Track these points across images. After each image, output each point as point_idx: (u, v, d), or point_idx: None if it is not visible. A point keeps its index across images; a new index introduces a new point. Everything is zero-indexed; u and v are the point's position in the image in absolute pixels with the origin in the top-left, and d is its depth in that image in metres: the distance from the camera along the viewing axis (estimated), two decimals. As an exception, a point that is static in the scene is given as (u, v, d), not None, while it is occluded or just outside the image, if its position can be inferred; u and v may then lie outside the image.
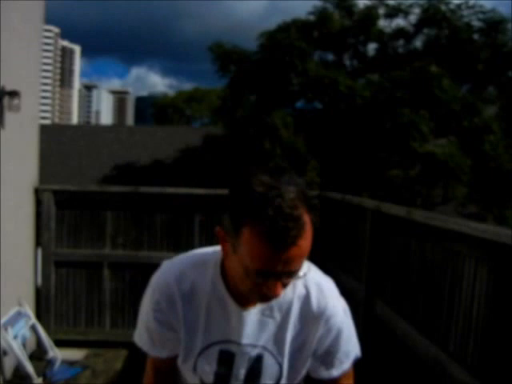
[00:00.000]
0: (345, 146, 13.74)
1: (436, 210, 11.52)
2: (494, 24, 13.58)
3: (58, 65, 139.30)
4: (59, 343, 4.26)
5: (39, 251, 4.38)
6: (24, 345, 3.79)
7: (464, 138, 12.48)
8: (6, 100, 3.57)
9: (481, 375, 1.97)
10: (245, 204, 1.04)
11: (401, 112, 11.87)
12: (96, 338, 4.48)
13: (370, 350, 3.19)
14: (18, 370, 3.66)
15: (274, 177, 1.05)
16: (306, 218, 1.04)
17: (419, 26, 14.46)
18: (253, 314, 1.23)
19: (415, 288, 2.65)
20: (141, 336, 1.32)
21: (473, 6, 13.88)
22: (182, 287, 1.24)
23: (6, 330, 3.55)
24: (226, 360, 1.26)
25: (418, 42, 14.76)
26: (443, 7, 14.10)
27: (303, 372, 1.30)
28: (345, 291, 3.97)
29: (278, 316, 1.24)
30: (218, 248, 1.24)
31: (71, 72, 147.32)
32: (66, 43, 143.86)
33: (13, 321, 3.71)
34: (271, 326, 1.25)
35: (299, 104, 15.59)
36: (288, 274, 1.07)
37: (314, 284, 1.27)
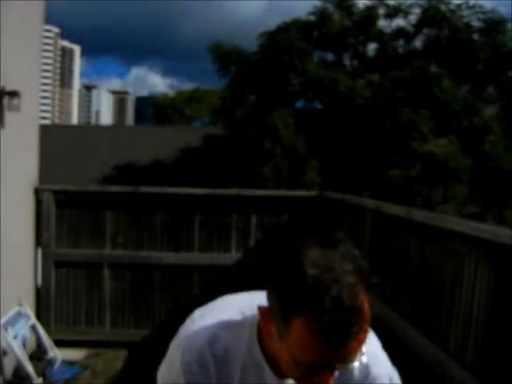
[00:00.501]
0: (345, 145, 13.74)
1: (436, 209, 11.52)
2: (493, 24, 13.57)
3: (58, 65, 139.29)
4: (59, 343, 4.26)
5: (39, 251, 4.38)
6: (24, 345, 3.79)
7: (464, 138, 12.47)
8: (5, 100, 3.57)
9: (481, 375, 1.97)
10: (296, 290, 0.88)
11: (401, 112, 11.87)
12: (96, 338, 4.48)
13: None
14: (18, 370, 3.65)
15: (326, 250, 0.90)
16: (367, 304, 0.91)
17: (419, 25, 14.46)
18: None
19: (415, 288, 2.65)
20: None
21: (473, 6, 13.88)
22: (214, 350, 1.11)
23: (5, 330, 3.55)
24: None
25: (418, 42, 14.75)
26: (443, 7, 14.09)
27: None
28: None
29: None
30: (253, 304, 1.09)
31: (71, 72, 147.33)
32: (66, 43, 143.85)
33: (13, 321, 3.71)
34: None
35: (299, 104, 15.60)
36: (343, 365, 0.94)
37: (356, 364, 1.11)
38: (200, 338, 1.12)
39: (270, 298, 0.96)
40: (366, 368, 1.13)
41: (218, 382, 1.11)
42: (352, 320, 0.86)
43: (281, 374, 1.07)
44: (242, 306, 1.16)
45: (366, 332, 0.90)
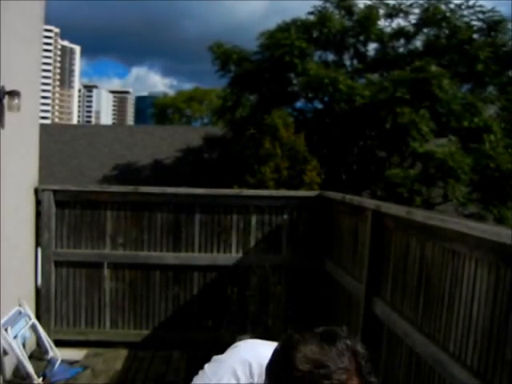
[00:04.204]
0: (345, 145, 13.75)
1: (436, 209, 11.52)
2: (493, 24, 13.58)
3: (58, 65, 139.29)
4: (59, 343, 4.26)
5: (39, 251, 4.38)
6: (24, 345, 3.79)
7: (464, 138, 12.48)
8: (6, 100, 3.57)
9: (481, 375, 1.97)
10: (284, 381, 0.91)
11: (401, 112, 11.87)
12: (96, 338, 4.48)
13: (369, 349, 3.19)
14: (18, 369, 3.65)
15: (322, 347, 0.91)
16: None
17: (419, 25, 14.47)
18: None
19: (415, 288, 2.65)
20: None
21: (473, 6, 13.89)
22: None
23: (5, 330, 3.55)
24: None
25: (418, 42, 14.77)
26: (443, 7, 14.11)
27: None
28: (345, 291, 3.97)
29: None
30: (261, 364, 1.14)
31: (71, 72, 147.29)
32: (66, 43, 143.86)
33: (13, 321, 3.71)
34: None
35: (299, 104, 15.61)
36: None
37: None
38: None
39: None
40: None
41: None
42: None
43: None
44: (250, 369, 1.19)
45: None
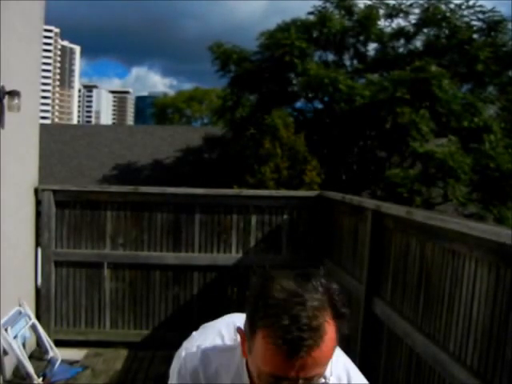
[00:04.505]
0: (345, 145, 13.75)
1: (436, 209, 11.52)
2: (493, 24, 13.57)
3: (58, 65, 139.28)
4: (59, 343, 4.26)
5: (39, 251, 4.38)
6: (24, 344, 3.80)
7: (464, 138, 12.47)
8: (6, 100, 3.57)
9: (481, 375, 1.97)
10: (262, 309, 1.00)
11: (401, 112, 11.86)
12: (96, 338, 4.48)
13: (370, 349, 3.19)
14: (18, 369, 3.66)
15: (299, 283, 1.00)
16: (328, 328, 0.98)
17: (419, 25, 14.46)
18: None
19: (415, 288, 2.65)
20: None
21: (473, 6, 13.88)
22: (206, 371, 1.24)
23: (5, 330, 3.55)
24: None
25: (418, 42, 14.76)
26: (443, 7, 14.10)
27: None
28: (345, 291, 3.97)
29: None
30: None
31: (71, 72, 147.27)
32: (66, 43, 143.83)
33: (13, 321, 3.71)
34: None
35: (299, 104, 15.60)
36: (304, 380, 1.01)
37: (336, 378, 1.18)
38: (195, 359, 1.25)
39: (245, 319, 1.07)
40: None
41: None
42: (306, 336, 0.94)
43: None
44: (235, 327, 1.24)
45: (322, 351, 0.97)
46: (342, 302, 1.03)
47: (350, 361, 1.27)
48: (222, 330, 1.30)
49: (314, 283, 1.01)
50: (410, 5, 14.47)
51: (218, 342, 1.28)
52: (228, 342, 1.27)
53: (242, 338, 1.12)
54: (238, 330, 1.14)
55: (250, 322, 1.04)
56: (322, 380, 1.05)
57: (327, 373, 1.04)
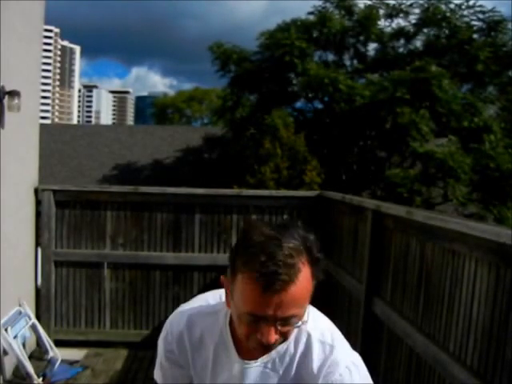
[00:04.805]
0: (345, 145, 13.74)
1: (436, 209, 11.52)
2: (494, 24, 13.57)
3: (58, 65, 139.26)
4: (59, 343, 4.26)
5: (39, 251, 4.38)
6: (24, 344, 3.79)
7: (464, 138, 12.47)
8: (6, 100, 3.57)
9: (481, 375, 1.97)
10: (241, 252, 1.07)
11: (401, 112, 11.86)
12: (96, 338, 4.48)
13: (370, 349, 3.19)
14: (18, 369, 3.66)
15: (277, 230, 1.07)
16: (303, 268, 1.05)
17: (419, 25, 14.46)
18: (255, 367, 1.24)
19: (415, 288, 2.65)
20: (156, 371, 1.41)
21: (473, 6, 13.88)
22: (191, 334, 1.29)
23: (5, 330, 3.55)
24: None
25: (418, 42, 14.76)
26: (443, 7, 14.09)
27: None
28: (345, 291, 3.97)
29: (280, 370, 1.24)
30: None
31: (71, 72, 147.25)
32: (65, 43, 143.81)
33: (13, 321, 3.71)
34: (274, 380, 1.24)
35: (299, 104, 15.60)
36: (281, 320, 1.06)
37: (317, 340, 1.22)
38: (181, 323, 1.30)
39: (228, 267, 1.13)
40: (324, 354, 1.20)
41: (193, 361, 1.29)
42: (281, 271, 1.01)
43: (246, 355, 1.22)
44: (220, 296, 1.32)
45: (298, 288, 1.03)
46: (317, 249, 1.10)
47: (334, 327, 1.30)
48: (209, 299, 1.35)
49: (292, 231, 1.08)
50: (410, 5, 14.48)
51: (204, 307, 1.33)
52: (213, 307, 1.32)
53: (226, 288, 1.16)
54: (222, 279, 1.18)
55: (231, 266, 1.10)
56: (300, 323, 1.09)
57: (305, 317, 1.09)
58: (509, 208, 11.10)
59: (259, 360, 1.23)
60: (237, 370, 1.24)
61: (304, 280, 1.05)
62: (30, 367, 3.61)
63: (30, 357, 3.97)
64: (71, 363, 4.07)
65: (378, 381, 3.08)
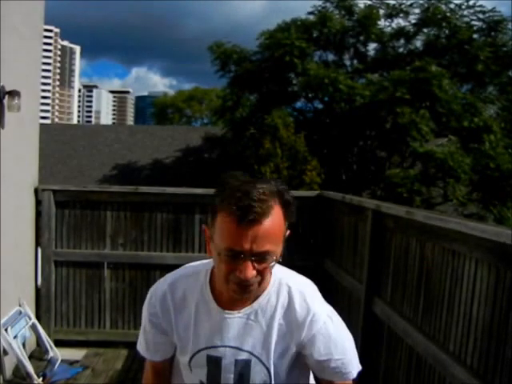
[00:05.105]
0: (345, 145, 13.74)
1: (436, 209, 11.52)
2: (494, 24, 13.57)
3: (58, 65, 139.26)
4: (59, 343, 4.26)
5: (39, 251, 4.38)
6: (24, 344, 3.80)
7: (464, 138, 12.47)
8: (5, 100, 3.57)
9: (481, 375, 1.97)
10: (220, 194, 1.17)
11: (401, 112, 11.86)
12: (96, 338, 4.48)
13: (370, 349, 3.19)
14: (18, 369, 3.66)
15: (252, 177, 1.19)
16: (276, 207, 1.16)
17: (419, 25, 14.45)
18: (237, 318, 1.28)
19: (415, 288, 2.65)
20: (139, 341, 1.43)
21: (473, 6, 13.87)
22: (174, 295, 1.34)
23: (5, 330, 3.55)
24: (214, 365, 1.30)
25: (418, 42, 14.75)
26: (443, 7, 14.09)
27: (293, 375, 1.32)
28: (345, 291, 3.97)
29: (262, 321, 1.28)
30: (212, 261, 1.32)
31: (71, 72, 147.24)
32: (66, 43, 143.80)
33: (13, 321, 3.71)
34: (257, 332, 1.28)
35: (299, 104, 15.60)
36: (257, 256, 1.13)
37: (298, 291, 1.30)
38: (164, 285, 1.36)
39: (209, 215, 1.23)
40: (306, 304, 1.28)
41: (176, 322, 1.32)
42: (254, 204, 1.10)
43: (227, 308, 1.29)
44: (202, 261, 1.40)
45: (271, 222, 1.13)
46: (288, 194, 1.22)
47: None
48: (191, 265, 1.43)
49: (265, 179, 1.20)
50: (410, 5, 14.47)
51: (185, 270, 1.41)
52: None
53: (207, 237, 1.24)
54: (204, 227, 1.27)
55: (211, 212, 1.20)
56: (273, 262, 1.17)
57: (278, 256, 1.18)
58: (509, 208, 11.09)
59: (242, 311, 1.28)
60: (218, 319, 1.29)
61: (276, 217, 1.16)
62: (30, 367, 3.62)
63: (30, 357, 3.97)
64: (71, 363, 4.07)
65: (379, 380, 3.08)
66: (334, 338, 1.29)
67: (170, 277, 1.40)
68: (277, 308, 1.28)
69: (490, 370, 1.91)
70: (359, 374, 1.33)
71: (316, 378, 1.39)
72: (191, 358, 1.32)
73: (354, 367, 1.31)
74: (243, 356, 1.28)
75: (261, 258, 1.14)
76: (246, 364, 1.29)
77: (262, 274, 1.18)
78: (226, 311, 1.28)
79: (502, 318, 1.84)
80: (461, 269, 2.17)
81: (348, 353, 1.32)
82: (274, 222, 1.15)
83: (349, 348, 1.33)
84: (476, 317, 2.02)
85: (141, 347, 1.42)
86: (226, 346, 1.29)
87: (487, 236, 1.88)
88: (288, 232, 1.25)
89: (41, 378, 3.69)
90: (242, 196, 1.12)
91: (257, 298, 1.28)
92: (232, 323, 1.28)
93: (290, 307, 1.28)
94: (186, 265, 1.45)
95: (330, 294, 4.19)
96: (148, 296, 1.39)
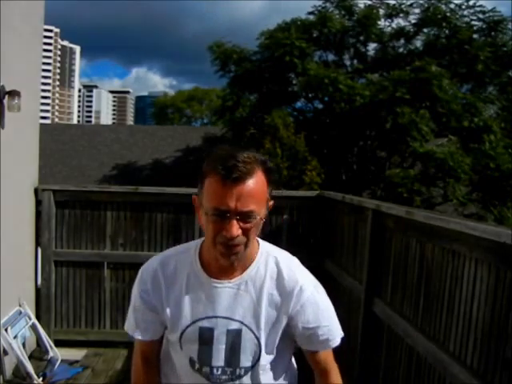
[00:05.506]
0: (345, 145, 13.74)
1: (436, 209, 11.52)
2: (494, 24, 13.57)
3: (58, 65, 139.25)
4: (59, 343, 4.26)
5: (39, 251, 4.38)
6: (24, 344, 3.80)
7: (464, 138, 12.47)
8: (5, 100, 3.57)
9: (481, 375, 1.97)
10: (207, 161, 1.26)
11: (401, 112, 11.86)
12: (96, 338, 4.48)
13: (370, 349, 3.19)
14: (18, 369, 3.66)
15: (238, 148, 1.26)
16: (259, 171, 1.23)
17: (419, 25, 14.45)
18: (228, 288, 1.33)
19: (415, 288, 2.65)
20: (128, 321, 1.44)
21: (473, 6, 13.87)
22: (165, 270, 1.38)
23: (5, 330, 3.55)
24: (206, 336, 1.33)
25: (418, 42, 14.75)
26: (443, 7, 14.08)
27: (282, 345, 1.37)
28: (345, 291, 3.98)
29: (252, 291, 1.33)
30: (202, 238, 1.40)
31: (71, 72, 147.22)
32: (65, 43, 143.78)
33: (13, 321, 3.71)
34: (247, 301, 1.32)
35: (299, 104, 15.59)
36: (241, 215, 1.20)
37: (285, 263, 1.38)
38: (155, 262, 1.41)
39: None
40: (293, 274, 1.36)
41: (167, 297, 1.35)
42: (239, 164, 1.18)
43: (214, 277, 1.34)
44: (192, 241, 1.45)
45: (254, 182, 1.21)
46: (270, 162, 1.29)
47: None
48: (185, 244, 1.46)
49: (252, 151, 1.26)
50: (410, 5, 14.46)
51: (176, 248, 1.45)
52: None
53: (196, 205, 1.32)
54: (193, 197, 1.33)
55: (200, 178, 1.27)
56: (258, 219, 1.23)
57: (262, 216, 1.24)
58: (509, 208, 11.09)
59: (232, 281, 1.33)
60: (209, 290, 1.33)
61: (259, 180, 1.23)
62: (30, 367, 3.62)
63: (30, 357, 3.97)
64: (71, 363, 4.07)
65: (379, 380, 3.08)
66: (321, 306, 1.38)
67: (160, 254, 1.44)
68: (266, 278, 1.34)
69: (489, 369, 1.91)
70: (342, 340, 1.40)
71: (298, 358, 1.47)
72: (182, 333, 1.34)
73: (339, 333, 1.39)
74: (234, 326, 1.32)
75: (245, 217, 1.20)
76: (237, 333, 1.32)
77: (247, 235, 1.23)
78: (217, 281, 1.33)
79: (502, 318, 1.84)
80: (461, 269, 2.17)
81: (333, 320, 1.40)
82: (258, 183, 1.22)
83: (333, 315, 1.41)
84: (476, 317, 2.02)
85: (130, 327, 1.43)
86: (217, 317, 1.32)
87: (487, 236, 1.88)
88: (272, 202, 1.31)
89: (41, 378, 3.69)
90: (227, 157, 1.20)
91: (246, 268, 1.34)
92: (223, 293, 1.32)
93: (278, 277, 1.35)
94: (182, 245, 1.48)
95: (330, 294, 4.18)
96: (139, 274, 1.43)
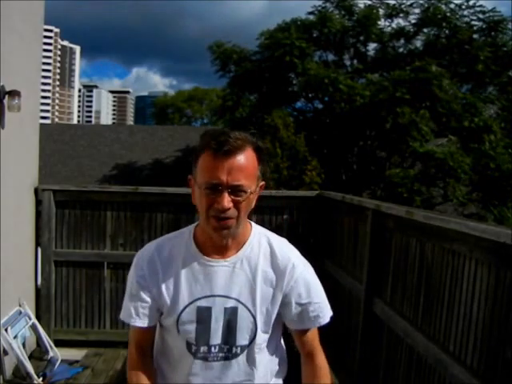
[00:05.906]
0: (345, 145, 13.74)
1: (436, 209, 11.52)
2: (494, 24, 13.57)
3: (58, 65, 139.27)
4: (59, 343, 4.26)
5: (39, 251, 4.38)
6: (24, 344, 3.79)
7: (464, 138, 12.47)
8: (5, 100, 3.57)
9: (481, 375, 1.97)
10: (201, 140, 1.31)
11: (401, 112, 11.86)
12: (96, 338, 4.47)
13: (370, 349, 3.19)
14: (18, 369, 3.65)
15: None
16: (249, 148, 1.28)
17: (419, 25, 14.45)
18: (224, 267, 1.37)
19: (415, 288, 2.65)
20: (124, 309, 1.46)
21: (473, 6, 13.87)
22: (161, 254, 1.42)
23: (5, 330, 3.55)
24: (204, 315, 1.36)
25: (418, 42, 14.75)
26: (443, 7, 14.09)
27: (275, 324, 1.40)
28: (345, 291, 3.97)
29: (247, 269, 1.38)
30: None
31: (71, 72, 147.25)
32: (66, 43, 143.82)
33: (13, 321, 3.71)
34: (242, 279, 1.37)
35: (299, 104, 15.60)
36: (232, 188, 1.25)
37: (276, 242, 1.44)
38: (151, 248, 1.46)
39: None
40: (285, 253, 1.41)
41: (164, 279, 1.39)
42: (231, 140, 1.24)
43: (209, 256, 1.38)
44: (186, 227, 1.50)
45: (245, 157, 1.26)
46: (262, 143, 1.33)
47: None
48: (179, 230, 1.51)
49: (243, 131, 1.31)
50: (410, 5, 14.47)
51: (170, 234, 1.51)
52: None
53: (191, 185, 1.37)
54: (189, 177, 1.39)
55: (194, 157, 1.32)
56: (248, 194, 1.27)
57: (252, 189, 1.28)
58: (509, 208, 11.09)
59: (228, 260, 1.37)
60: (205, 270, 1.37)
61: (250, 156, 1.28)
62: (30, 367, 3.61)
63: (30, 357, 3.96)
64: (71, 363, 4.07)
65: (379, 380, 3.08)
66: (312, 283, 1.43)
67: (154, 241, 1.50)
68: (260, 257, 1.39)
69: (489, 370, 1.91)
70: (331, 318, 1.45)
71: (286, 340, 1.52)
72: (180, 315, 1.36)
73: (328, 311, 1.44)
74: (231, 303, 1.35)
75: (236, 190, 1.26)
76: (234, 311, 1.35)
77: (238, 208, 1.28)
78: (212, 260, 1.37)
79: (502, 318, 1.84)
80: (461, 269, 2.17)
81: (323, 298, 1.46)
82: (248, 159, 1.27)
83: (323, 294, 1.46)
84: (476, 317, 2.02)
85: (126, 315, 1.44)
86: (215, 296, 1.35)
87: (487, 236, 1.88)
88: (263, 183, 1.35)
89: (41, 378, 3.69)
90: (219, 134, 1.27)
91: (240, 248, 1.38)
92: (219, 271, 1.36)
93: (272, 256, 1.40)
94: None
95: (330, 294, 4.18)
96: (135, 260, 1.49)
